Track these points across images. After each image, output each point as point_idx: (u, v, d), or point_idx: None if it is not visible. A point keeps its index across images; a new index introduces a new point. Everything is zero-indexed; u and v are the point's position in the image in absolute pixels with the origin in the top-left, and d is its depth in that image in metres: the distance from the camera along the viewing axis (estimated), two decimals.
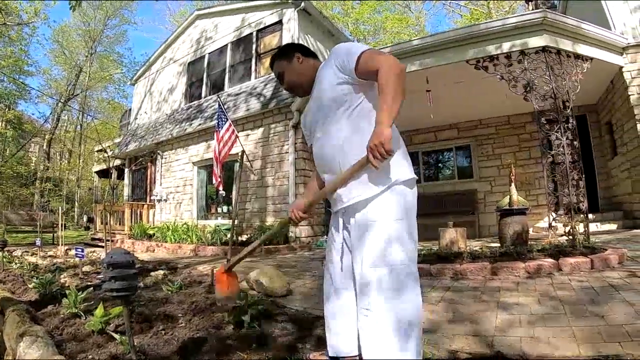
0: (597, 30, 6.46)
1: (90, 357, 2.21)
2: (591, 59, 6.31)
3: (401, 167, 1.69)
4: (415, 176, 1.75)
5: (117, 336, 2.44)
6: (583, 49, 6.23)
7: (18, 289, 4.31)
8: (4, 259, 5.97)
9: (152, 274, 5.00)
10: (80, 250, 4.90)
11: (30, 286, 4.26)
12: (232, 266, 2.05)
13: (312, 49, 1.82)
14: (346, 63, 1.69)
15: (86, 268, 5.68)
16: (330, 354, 1.90)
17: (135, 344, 2.41)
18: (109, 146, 16.73)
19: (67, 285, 4.24)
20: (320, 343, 2.42)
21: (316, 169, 1.99)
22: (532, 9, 8.20)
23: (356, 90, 1.73)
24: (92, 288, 3.68)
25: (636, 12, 7.18)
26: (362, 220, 1.64)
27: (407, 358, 1.53)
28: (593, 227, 7.10)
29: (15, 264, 6.21)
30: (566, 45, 5.99)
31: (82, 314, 2.96)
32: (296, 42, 8.11)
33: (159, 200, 12.69)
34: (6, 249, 5.97)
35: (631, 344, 2.18)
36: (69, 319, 2.93)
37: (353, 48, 1.73)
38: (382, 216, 1.61)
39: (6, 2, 13.72)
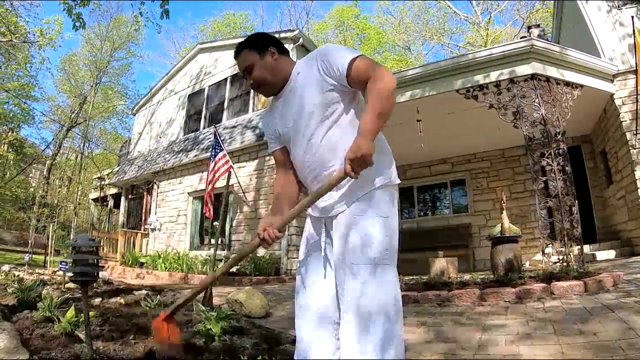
0: (584, 57, 6.53)
1: (53, 354, 2.21)
2: (581, 86, 6.36)
3: (383, 174, 1.63)
4: (398, 181, 1.69)
5: (84, 338, 2.34)
6: (572, 76, 6.29)
7: None
8: None
9: (135, 292, 4.82)
10: (64, 263, 4.78)
11: (9, 291, 4.19)
12: (174, 312, 1.80)
13: None
14: (335, 69, 1.57)
15: (71, 285, 5.42)
16: None
17: (102, 348, 2.39)
18: (107, 175, 16.69)
19: (46, 296, 4.12)
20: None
21: (289, 178, 1.82)
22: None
23: (344, 95, 1.63)
24: (72, 301, 3.57)
25: (625, 39, 7.28)
26: (345, 220, 1.59)
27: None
28: (590, 257, 6.90)
29: (0, 275, 6.19)
30: (554, 72, 6.05)
31: (56, 319, 2.86)
32: None
33: (153, 230, 12.54)
34: None
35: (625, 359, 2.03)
36: (41, 322, 2.89)
37: (343, 52, 1.60)
38: (365, 214, 1.56)
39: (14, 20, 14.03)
